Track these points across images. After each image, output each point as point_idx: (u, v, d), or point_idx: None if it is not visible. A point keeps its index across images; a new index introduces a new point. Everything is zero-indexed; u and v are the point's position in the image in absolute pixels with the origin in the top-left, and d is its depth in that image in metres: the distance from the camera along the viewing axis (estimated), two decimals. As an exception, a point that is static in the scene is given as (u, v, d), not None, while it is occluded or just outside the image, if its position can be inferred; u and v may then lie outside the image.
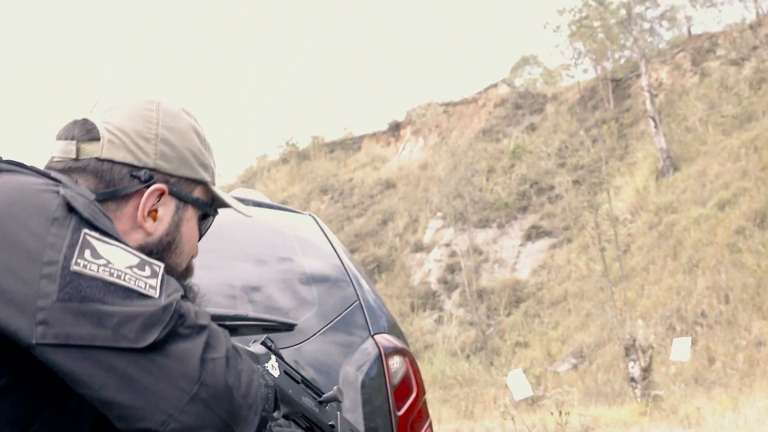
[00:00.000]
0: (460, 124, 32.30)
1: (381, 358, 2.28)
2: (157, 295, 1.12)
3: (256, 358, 1.42)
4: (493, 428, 10.26)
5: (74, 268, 1.09)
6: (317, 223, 2.67)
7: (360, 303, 2.33)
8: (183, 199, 1.41)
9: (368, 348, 2.28)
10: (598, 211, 20.86)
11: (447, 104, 33.78)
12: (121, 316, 1.09)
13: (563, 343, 19.98)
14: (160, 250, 1.37)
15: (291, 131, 68.41)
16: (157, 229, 1.38)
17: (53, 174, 1.25)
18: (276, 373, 1.44)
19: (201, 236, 1.50)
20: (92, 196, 1.24)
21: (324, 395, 1.54)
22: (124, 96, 1.44)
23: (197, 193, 1.44)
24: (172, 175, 1.39)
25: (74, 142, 1.36)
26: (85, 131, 1.36)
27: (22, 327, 1.07)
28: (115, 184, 1.34)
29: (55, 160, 1.37)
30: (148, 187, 1.35)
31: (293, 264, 2.42)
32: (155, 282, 1.14)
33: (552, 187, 25.88)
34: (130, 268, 1.14)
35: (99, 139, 1.35)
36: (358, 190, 31.23)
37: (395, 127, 34.85)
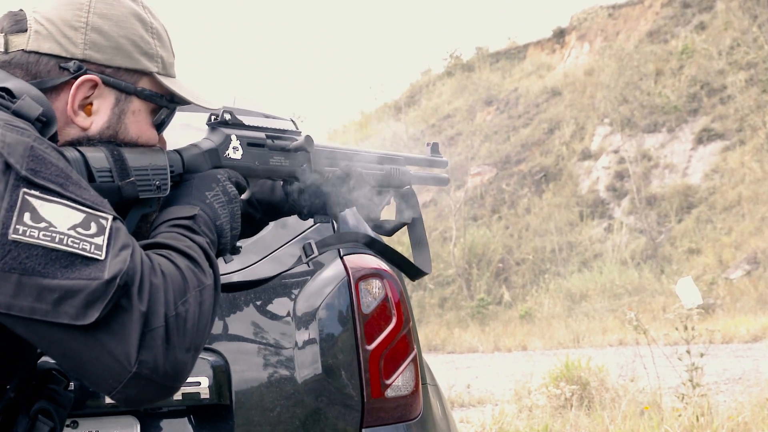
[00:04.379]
0: (626, 27, 31.37)
1: (349, 282, 2.05)
2: (102, 256, 1.09)
3: (214, 154, 1.46)
4: (659, 338, 10.43)
5: (12, 236, 1.06)
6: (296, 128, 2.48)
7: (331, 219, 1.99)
8: (123, 90, 1.35)
9: (330, 272, 2.07)
10: (765, 109, 20.09)
11: (612, 6, 32.81)
12: (61, 290, 1.06)
13: (737, 249, 19.57)
14: (104, 143, 1.33)
15: (455, 43, 67.92)
16: (94, 122, 1.33)
17: (9, 87, 1.23)
18: (239, 154, 1.49)
19: (160, 129, 1.45)
20: (37, 112, 1.20)
21: (292, 145, 1.59)
22: None
23: (143, 84, 1.38)
24: (107, 66, 1.33)
25: (2, 34, 1.31)
26: (14, 22, 1.31)
27: None
28: (42, 76, 1.29)
29: None
30: (76, 78, 1.30)
31: None
32: (101, 239, 1.10)
33: (724, 88, 24.94)
34: (74, 228, 1.09)
35: (26, 31, 1.30)
36: (523, 99, 31.01)
37: (560, 34, 34.17)
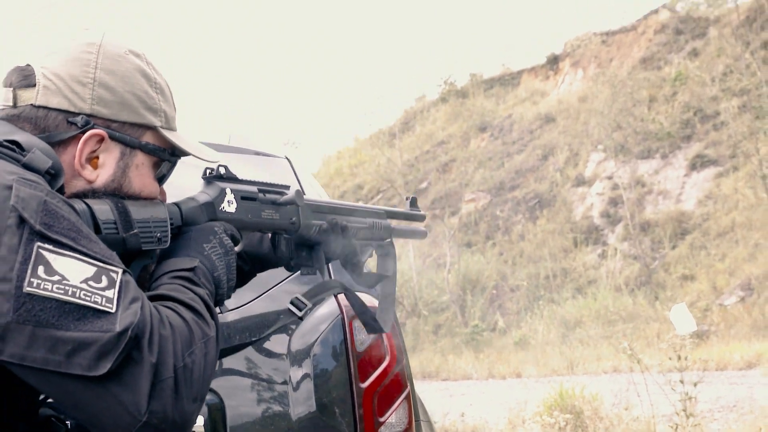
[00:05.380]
0: (620, 54, 31.57)
1: (343, 321, 2.09)
2: (113, 309, 1.11)
3: (210, 207, 1.50)
4: (652, 366, 10.44)
5: (27, 289, 1.08)
6: (291, 166, 2.48)
7: None
8: (128, 145, 1.38)
9: (324, 311, 2.09)
10: (757, 136, 20.23)
11: (605, 33, 33.04)
12: (74, 342, 1.08)
13: (731, 275, 19.60)
14: (109, 195, 1.36)
15: (449, 70, 68.25)
16: (100, 175, 1.36)
17: (18, 140, 1.25)
18: (233, 207, 1.53)
19: (161, 181, 1.48)
20: (46, 165, 1.23)
21: (283, 198, 1.64)
22: (66, 39, 1.38)
23: (147, 138, 1.41)
24: (113, 120, 1.36)
25: (11, 89, 1.34)
26: (23, 77, 1.34)
27: None
28: (50, 130, 1.32)
29: None
30: (84, 132, 1.33)
31: None
32: (112, 293, 1.13)
33: (717, 114, 25.08)
34: (86, 281, 1.12)
35: (35, 85, 1.33)
36: (517, 126, 31.13)
37: (553, 60, 34.37)
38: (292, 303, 1.66)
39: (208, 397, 1.96)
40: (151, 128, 1.42)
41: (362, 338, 2.09)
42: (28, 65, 1.36)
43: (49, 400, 1.36)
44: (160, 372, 1.13)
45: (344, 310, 2.10)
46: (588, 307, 20.16)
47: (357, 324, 2.08)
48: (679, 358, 6.00)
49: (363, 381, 2.06)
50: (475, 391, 13.94)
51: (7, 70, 1.39)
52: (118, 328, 1.10)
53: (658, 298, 19.98)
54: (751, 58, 24.63)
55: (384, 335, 2.12)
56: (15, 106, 1.34)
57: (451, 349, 20.51)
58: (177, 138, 1.46)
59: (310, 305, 1.69)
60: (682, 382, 5.89)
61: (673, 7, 32.54)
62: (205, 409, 1.95)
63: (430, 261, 26.01)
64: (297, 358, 2.05)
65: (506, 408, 9.53)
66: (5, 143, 1.24)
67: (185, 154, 1.48)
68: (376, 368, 2.09)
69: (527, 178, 28.05)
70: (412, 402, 2.16)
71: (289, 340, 2.07)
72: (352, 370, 2.06)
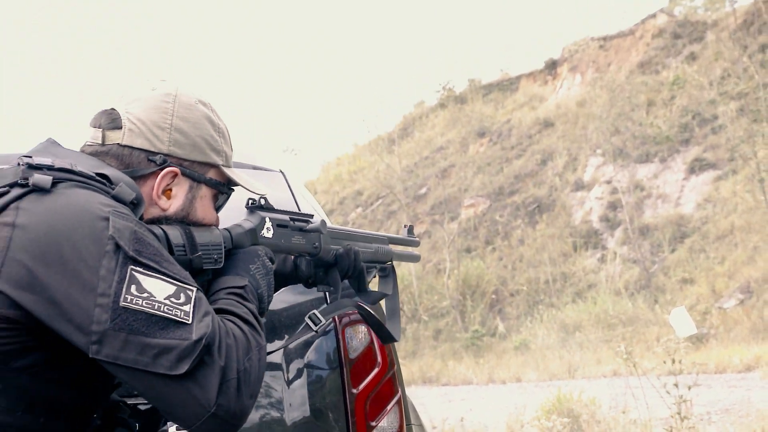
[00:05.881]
0: (618, 58, 31.65)
1: (336, 328, 2.20)
2: (189, 321, 1.35)
3: (254, 233, 1.74)
4: (652, 369, 10.47)
5: (123, 303, 1.32)
6: (285, 180, 2.61)
7: None
8: (196, 180, 1.64)
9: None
10: (755, 139, 20.30)
11: (603, 38, 33.12)
12: (159, 347, 1.32)
13: (730, 278, 19.63)
14: (177, 221, 1.61)
15: (447, 75, 68.28)
16: (172, 205, 1.61)
17: (107, 174, 1.48)
18: (270, 233, 1.77)
19: (218, 210, 1.73)
20: (131, 197, 1.46)
21: (309, 226, 1.87)
22: (146, 89, 1.63)
23: (211, 174, 1.67)
24: (185, 159, 1.62)
25: (101, 129, 1.59)
26: (111, 120, 1.59)
27: (79, 342, 1.32)
28: (134, 167, 1.57)
29: (87, 144, 1.60)
30: (162, 169, 1.59)
31: None
32: (188, 307, 1.36)
33: (715, 118, 25.14)
34: (168, 298, 1.35)
35: (121, 128, 1.58)
36: (515, 131, 31.18)
37: (552, 65, 34.45)
38: (309, 318, 1.80)
39: None
40: (215, 166, 1.68)
41: (355, 345, 2.20)
42: (114, 110, 1.61)
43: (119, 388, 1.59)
44: (226, 374, 1.36)
45: (336, 318, 2.19)
46: (588, 311, 20.20)
47: (349, 331, 2.20)
48: (674, 361, 6.06)
49: (356, 387, 2.16)
50: (475, 396, 13.98)
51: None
52: (194, 336, 1.34)
53: (657, 301, 20.01)
54: (748, 62, 24.70)
55: (375, 342, 2.23)
56: (103, 144, 1.59)
57: (451, 354, 20.55)
58: (233, 174, 1.72)
59: (325, 321, 1.82)
60: (676, 385, 5.94)
61: (670, 11, 32.63)
62: None
63: (429, 266, 26.06)
64: (292, 364, 2.14)
65: (506, 413, 9.57)
66: (97, 176, 1.47)
67: (238, 185, 1.73)
68: (368, 374, 2.19)
69: (526, 183, 28.11)
70: (404, 407, 2.24)
71: (284, 347, 2.16)
72: (345, 376, 2.15)
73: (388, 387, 2.20)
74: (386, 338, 2.06)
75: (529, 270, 24.06)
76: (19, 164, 1.44)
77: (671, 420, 6.17)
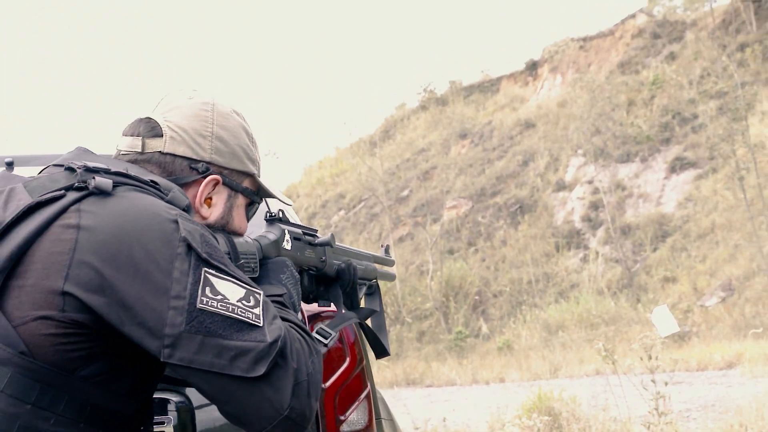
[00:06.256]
0: (598, 58, 31.80)
1: (304, 323, 2.16)
2: (261, 324, 1.34)
3: (277, 245, 1.75)
4: (633, 367, 10.53)
5: (199, 305, 1.30)
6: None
7: None
8: (234, 189, 1.63)
9: None
10: (734, 138, 20.44)
11: (583, 39, 33.27)
12: (237, 350, 1.30)
13: (711, 276, 19.74)
14: (216, 230, 1.58)
15: (429, 77, 68.35)
16: (212, 213, 1.60)
17: (156, 181, 1.47)
18: (289, 245, 1.78)
19: (249, 219, 1.72)
20: (184, 203, 1.45)
21: (317, 240, 1.89)
22: (182, 98, 1.62)
23: (246, 183, 1.66)
24: (225, 168, 1.61)
25: (140, 138, 1.56)
26: (150, 128, 1.56)
27: (151, 346, 1.29)
28: (176, 174, 1.55)
29: (121, 153, 1.57)
30: (204, 177, 1.57)
31: None
32: (258, 310, 1.35)
33: (695, 117, 25.29)
34: (240, 300, 1.34)
35: (162, 136, 1.56)
36: (497, 132, 31.26)
37: (532, 66, 34.59)
38: (318, 332, 1.79)
39: (177, 399, 2.04)
40: (251, 175, 1.67)
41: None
42: (151, 118, 1.59)
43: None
44: (298, 376, 1.35)
45: (304, 314, 2.21)
46: (570, 311, 20.26)
47: (318, 328, 2.17)
48: (650, 357, 6.09)
49: (325, 381, 2.17)
50: (459, 396, 13.99)
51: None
52: (269, 339, 1.33)
53: (640, 300, 20.10)
54: (727, 61, 24.85)
55: (345, 338, 2.25)
56: (143, 152, 1.56)
57: (434, 355, 20.56)
58: (266, 184, 1.72)
59: (335, 335, 1.82)
60: (653, 381, 5.97)
61: (650, 11, 32.84)
62: (174, 412, 2.03)
63: (412, 268, 26.08)
64: None
65: (488, 412, 9.59)
66: (150, 182, 1.45)
67: (270, 196, 1.73)
68: (337, 369, 2.20)
69: (508, 183, 28.18)
70: (373, 401, 2.26)
71: None
72: None
73: (357, 381, 2.22)
74: (381, 352, 2.10)
75: (512, 271, 24.12)
76: (71, 169, 1.42)
77: (649, 416, 6.20)
